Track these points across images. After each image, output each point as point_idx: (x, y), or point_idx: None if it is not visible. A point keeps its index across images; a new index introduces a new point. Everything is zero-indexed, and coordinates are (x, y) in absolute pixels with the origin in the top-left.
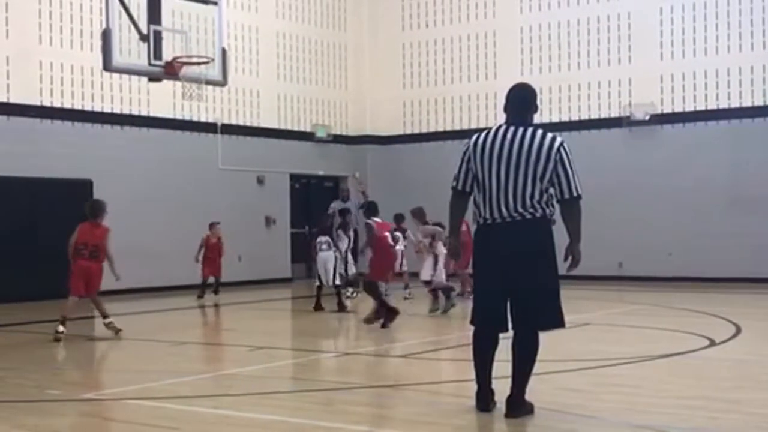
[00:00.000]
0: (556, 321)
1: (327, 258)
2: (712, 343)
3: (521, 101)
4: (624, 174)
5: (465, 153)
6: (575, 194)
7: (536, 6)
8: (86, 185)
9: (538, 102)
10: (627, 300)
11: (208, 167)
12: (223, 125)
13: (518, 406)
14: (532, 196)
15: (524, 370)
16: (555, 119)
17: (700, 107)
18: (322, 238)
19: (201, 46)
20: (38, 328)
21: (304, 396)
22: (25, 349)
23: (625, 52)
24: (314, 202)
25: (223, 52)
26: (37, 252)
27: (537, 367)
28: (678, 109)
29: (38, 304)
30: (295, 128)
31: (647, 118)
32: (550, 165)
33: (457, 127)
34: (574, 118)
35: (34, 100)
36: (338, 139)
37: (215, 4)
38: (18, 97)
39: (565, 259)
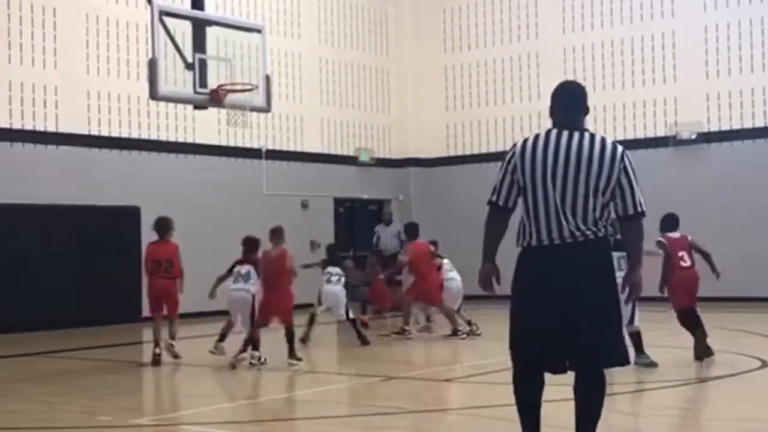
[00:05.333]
0: (623, 356)
1: (338, 292)
2: (765, 364)
3: (573, 101)
4: (671, 193)
5: (509, 162)
6: (640, 210)
7: (579, 26)
8: (134, 212)
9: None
10: (676, 321)
11: (253, 193)
12: (268, 151)
13: None
14: (594, 212)
15: (593, 417)
16: None
17: (747, 125)
18: (333, 269)
19: (245, 74)
20: (86, 354)
21: (352, 420)
22: (74, 376)
23: (670, 71)
24: (358, 226)
25: (267, 78)
26: (86, 279)
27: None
28: (725, 127)
29: (87, 331)
30: (339, 152)
31: (693, 137)
32: (614, 175)
33: (501, 149)
34: (620, 137)
35: (82, 129)
36: (381, 162)
37: (259, 32)
38: (66, 126)
39: (623, 288)
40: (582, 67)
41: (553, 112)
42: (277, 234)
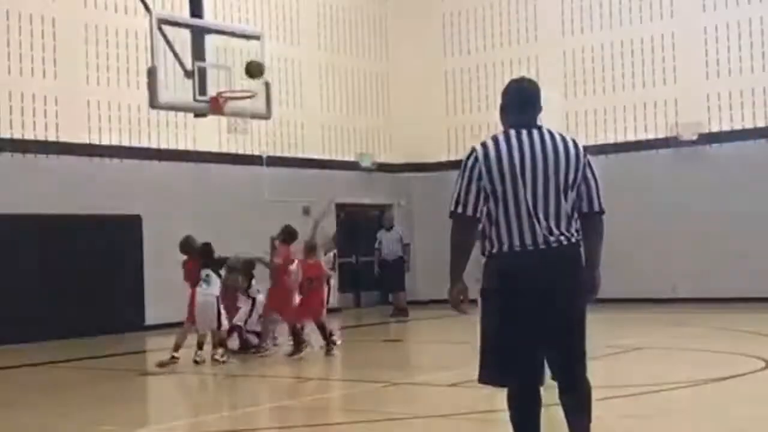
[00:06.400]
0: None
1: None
2: None
3: (527, 98)
4: (674, 195)
5: (472, 169)
6: (601, 207)
7: (578, 29)
8: (135, 221)
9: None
10: (681, 323)
11: (255, 199)
12: (269, 157)
13: None
14: (567, 214)
15: (588, 424)
16: (601, 141)
17: (749, 125)
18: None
19: (245, 81)
20: (90, 363)
21: (356, 428)
22: (78, 385)
23: (670, 72)
24: (360, 231)
25: (267, 85)
26: (88, 288)
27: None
28: (726, 128)
29: (90, 340)
30: (340, 158)
31: (695, 138)
32: (580, 170)
33: None
34: (621, 140)
35: (82, 138)
36: (383, 167)
37: (258, 38)
38: (67, 135)
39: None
40: (582, 69)
41: (507, 111)
42: (310, 248)
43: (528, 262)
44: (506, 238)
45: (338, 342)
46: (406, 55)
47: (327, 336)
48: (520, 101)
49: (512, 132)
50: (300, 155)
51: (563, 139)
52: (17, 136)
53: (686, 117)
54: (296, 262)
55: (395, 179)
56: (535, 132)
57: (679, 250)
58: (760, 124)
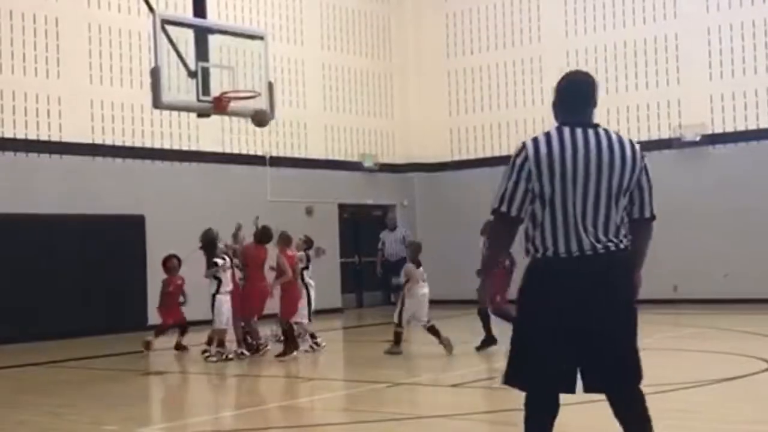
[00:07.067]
0: (641, 372)
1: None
2: None
3: (583, 93)
4: (676, 196)
5: (521, 167)
6: (653, 214)
7: (582, 30)
8: (138, 221)
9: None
10: (683, 323)
11: (258, 200)
12: (272, 158)
13: None
14: (616, 224)
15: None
16: None
17: (752, 126)
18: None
19: (248, 81)
20: (93, 363)
21: (357, 428)
22: (81, 385)
23: (674, 73)
24: (363, 232)
25: (270, 85)
26: (91, 288)
27: (592, 395)
28: (729, 128)
29: (93, 340)
30: (343, 158)
31: (698, 138)
32: (636, 174)
33: (505, 153)
34: None
35: (85, 138)
36: (386, 167)
37: (261, 38)
38: (70, 135)
39: None
40: (585, 70)
41: (561, 106)
42: (284, 239)
43: (573, 267)
44: (551, 244)
45: (323, 344)
46: (409, 56)
47: (288, 337)
48: (574, 96)
49: (566, 129)
50: (303, 155)
51: (620, 140)
52: (20, 135)
53: (689, 118)
54: (268, 263)
55: (398, 180)
56: (590, 131)
57: (681, 251)
58: (763, 125)
